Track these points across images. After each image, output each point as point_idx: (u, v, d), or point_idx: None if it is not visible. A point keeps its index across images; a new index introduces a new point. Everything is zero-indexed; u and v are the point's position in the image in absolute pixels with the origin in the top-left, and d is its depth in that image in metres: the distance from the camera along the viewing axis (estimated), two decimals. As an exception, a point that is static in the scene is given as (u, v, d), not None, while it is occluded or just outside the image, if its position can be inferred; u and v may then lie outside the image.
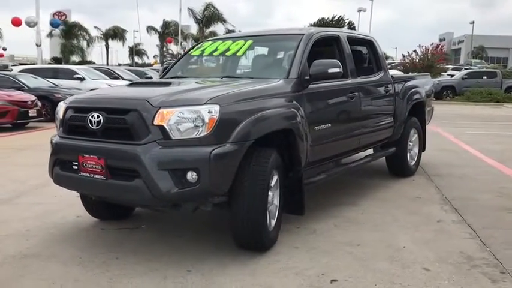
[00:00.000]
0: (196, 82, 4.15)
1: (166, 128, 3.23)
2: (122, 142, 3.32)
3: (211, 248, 3.74)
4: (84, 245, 3.87)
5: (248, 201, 3.41)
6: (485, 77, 26.26)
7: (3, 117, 11.54)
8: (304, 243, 3.87)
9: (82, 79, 16.88)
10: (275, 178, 3.76)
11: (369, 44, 5.76)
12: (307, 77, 4.17)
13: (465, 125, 13.38)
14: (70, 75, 17.21)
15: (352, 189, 5.62)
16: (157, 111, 3.25)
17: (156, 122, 3.24)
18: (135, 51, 59.72)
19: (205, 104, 3.27)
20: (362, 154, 5.58)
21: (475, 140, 9.95)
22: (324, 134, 4.37)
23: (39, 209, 4.85)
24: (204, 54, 4.88)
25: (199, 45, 5.11)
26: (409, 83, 6.18)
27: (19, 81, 14.48)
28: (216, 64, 5.21)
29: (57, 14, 54.41)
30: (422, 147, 6.57)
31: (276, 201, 3.83)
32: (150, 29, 52.59)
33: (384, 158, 6.08)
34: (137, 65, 53.14)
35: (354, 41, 5.33)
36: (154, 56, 67.11)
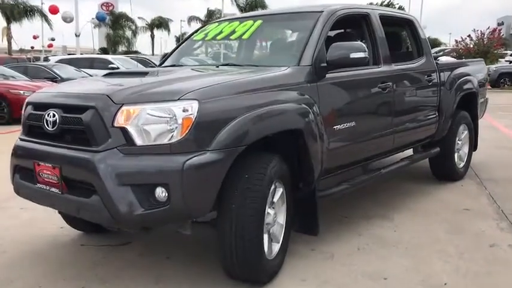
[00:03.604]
0: (186, 72, 3.42)
1: (130, 130, 2.52)
2: (78, 148, 2.65)
3: (204, 273, 3.03)
4: (52, 268, 3.25)
5: (238, 223, 2.67)
6: (548, 63, 24.13)
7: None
8: (316, 273, 3.08)
9: (116, 69, 16.56)
10: (279, 191, 3.00)
11: (408, 24, 4.81)
12: (324, 64, 3.34)
13: (525, 116, 11.98)
14: (105, 64, 16.97)
15: (384, 197, 4.74)
16: (118, 109, 2.55)
17: (117, 123, 2.54)
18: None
19: (179, 99, 2.54)
20: (398, 156, 4.68)
21: (537, 135, 8.72)
22: (346, 135, 3.54)
23: (24, 216, 4.28)
24: (206, 39, 4.13)
25: (203, 28, 4.36)
26: (458, 71, 5.19)
27: (53, 71, 14.32)
28: (218, 50, 4.44)
29: (104, 4, 55.12)
30: (473, 146, 5.57)
31: (281, 220, 3.06)
32: (193, 18, 52.33)
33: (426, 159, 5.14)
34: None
35: (388, 20, 4.42)
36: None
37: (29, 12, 40.49)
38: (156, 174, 2.48)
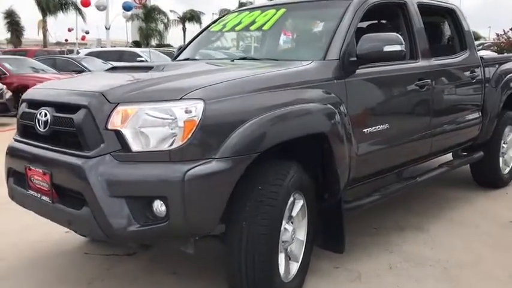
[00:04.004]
0: (196, 66, 3.07)
1: (125, 134, 2.19)
2: (70, 152, 2.34)
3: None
4: (50, 279, 2.97)
5: (249, 242, 2.31)
6: None
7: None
8: (339, 297, 2.70)
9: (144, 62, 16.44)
10: (299, 204, 2.63)
11: (450, 14, 4.32)
12: (353, 59, 2.94)
13: None
14: (134, 57, 16.88)
15: (418, 205, 4.29)
16: (113, 109, 2.22)
17: (111, 125, 2.21)
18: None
19: (181, 99, 2.19)
20: (435, 162, 4.21)
21: None
22: (378, 139, 3.13)
23: (28, 219, 3.96)
24: (224, 30, 3.76)
25: (222, 18, 4.00)
26: (505, 66, 4.66)
27: (81, 65, 14.28)
28: (238, 42, 4.07)
29: (137, -3, 55.45)
30: (520, 149, 5.04)
31: (302, 236, 2.70)
32: (224, 11, 52.01)
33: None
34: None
35: (428, 9, 3.95)
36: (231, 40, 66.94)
37: (63, 5, 40.99)
38: (154, 186, 2.14)
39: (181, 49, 4.02)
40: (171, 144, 2.16)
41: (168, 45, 46.90)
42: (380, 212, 3.97)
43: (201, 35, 4.03)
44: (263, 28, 3.45)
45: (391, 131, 3.23)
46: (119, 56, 17.35)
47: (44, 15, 41.27)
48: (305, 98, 2.62)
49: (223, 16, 4.09)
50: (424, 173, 3.80)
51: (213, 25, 3.99)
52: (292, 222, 2.59)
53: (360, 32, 3.09)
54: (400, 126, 3.36)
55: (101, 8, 22.21)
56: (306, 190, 2.67)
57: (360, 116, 2.98)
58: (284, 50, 3.65)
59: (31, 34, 46.06)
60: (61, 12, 41.25)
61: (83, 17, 42.24)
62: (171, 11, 55.77)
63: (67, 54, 21.72)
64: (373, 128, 3.07)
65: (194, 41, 4.01)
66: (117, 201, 2.15)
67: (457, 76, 4.02)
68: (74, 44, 46.89)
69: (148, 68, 2.86)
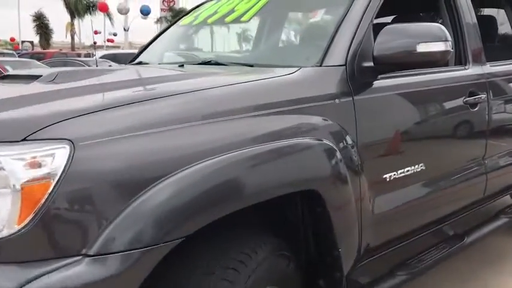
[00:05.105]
0: (118, 76, 2.03)
1: None
2: None
3: None
4: None
5: None
6: None
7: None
8: None
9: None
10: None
11: (511, 3, 3.16)
12: (369, 64, 1.86)
13: None
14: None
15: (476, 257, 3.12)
16: None
17: None
18: (240, 36, 59.03)
19: (24, 140, 1.16)
20: (490, 208, 3.03)
21: None
22: (407, 187, 2.05)
23: None
24: (195, 23, 2.73)
25: (197, 9, 2.95)
26: None
27: (88, 65, 13.53)
28: (210, 38, 2.97)
29: (166, 0, 55.40)
30: None
31: None
32: None
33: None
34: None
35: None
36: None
37: (91, 7, 40.92)
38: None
39: (142, 49, 3.00)
40: (1, 229, 1.13)
41: (196, 49, 46.39)
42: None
43: (168, 31, 2.98)
44: (241, 19, 2.38)
45: (428, 174, 2.14)
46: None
47: (73, 17, 41.37)
48: (281, 130, 1.56)
49: (199, 5, 3.04)
50: (474, 228, 2.63)
51: (184, 17, 2.96)
52: None
53: (379, 28, 2.00)
54: (441, 165, 2.27)
55: (123, 11, 21.59)
56: (288, 281, 1.62)
57: (378, 155, 1.90)
58: (265, 50, 2.58)
59: (60, 36, 46.22)
60: (89, 14, 41.27)
61: (110, 20, 42.08)
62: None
63: (85, 56, 21.17)
64: (399, 171, 1.98)
65: (159, 39, 2.97)
66: None
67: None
68: (101, 47, 46.91)
69: (35, 78, 1.82)
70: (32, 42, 41.81)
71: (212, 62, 2.12)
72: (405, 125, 2.03)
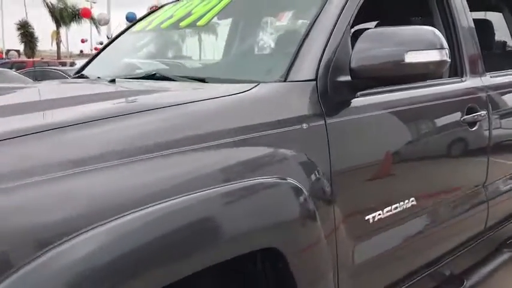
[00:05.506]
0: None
1: None
2: None
3: None
4: None
5: None
6: None
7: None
8: None
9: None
10: None
11: (510, 6, 2.81)
12: (345, 78, 1.48)
13: None
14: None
15: None
16: None
17: None
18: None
19: None
20: (492, 239, 2.65)
21: None
22: (395, 227, 1.67)
23: None
24: (147, 29, 2.33)
25: (154, 13, 2.56)
26: None
27: (68, 75, 13.11)
28: (164, 46, 2.55)
29: (153, 8, 54.93)
30: None
31: None
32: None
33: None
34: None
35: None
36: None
37: (77, 15, 40.40)
38: None
39: (90, 59, 2.59)
40: None
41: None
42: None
43: (120, 39, 2.58)
44: (197, 24, 2.00)
45: (420, 209, 1.77)
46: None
47: (58, 26, 40.80)
48: (225, 168, 1.17)
49: (156, 9, 2.65)
50: (474, 266, 2.25)
51: (138, 23, 2.57)
52: None
53: (360, 35, 1.62)
54: (436, 198, 1.90)
55: (102, 22, 21.11)
56: None
57: (359, 192, 1.52)
58: (223, 61, 2.19)
59: (47, 45, 45.49)
60: (75, 23, 40.73)
61: (97, 28, 41.56)
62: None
63: (71, 65, 20.68)
64: (385, 210, 1.60)
65: (110, 48, 2.57)
66: None
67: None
68: (88, 55, 46.30)
69: None
70: (18, 51, 41.12)
71: (157, 75, 1.73)
72: (391, 153, 1.65)
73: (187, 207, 1.05)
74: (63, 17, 39.97)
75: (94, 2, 39.77)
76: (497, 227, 2.44)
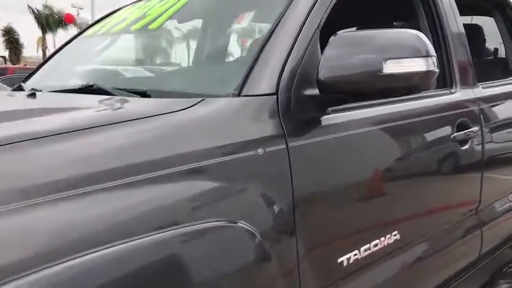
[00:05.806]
0: None
1: None
2: None
3: None
4: None
5: None
6: None
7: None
8: None
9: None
10: None
11: (502, 9, 2.58)
12: (312, 92, 1.22)
13: None
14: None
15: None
16: None
17: None
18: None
19: None
20: (486, 267, 2.40)
21: None
22: (375, 268, 1.40)
23: None
24: (99, 33, 2.06)
25: (112, 14, 2.29)
26: None
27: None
28: (115, 53, 2.28)
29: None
30: None
31: None
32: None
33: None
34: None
35: (467, 3, 2.23)
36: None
37: (63, 21, 39.93)
38: None
39: (36, 68, 2.31)
40: None
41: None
42: None
43: (69, 45, 2.29)
44: (149, 27, 1.74)
45: (405, 243, 1.51)
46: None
47: (44, 32, 40.28)
48: (157, 209, 0.91)
49: (112, 13, 2.38)
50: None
51: (91, 27, 2.29)
52: None
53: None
54: (422, 229, 1.64)
55: (84, 27, 20.65)
56: None
57: (330, 230, 1.26)
58: (172, 71, 1.93)
59: (32, 52, 44.84)
60: (61, 29, 40.24)
61: (83, 34, 41.08)
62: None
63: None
64: (362, 248, 1.34)
65: (58, 55, 2.28)
66: None
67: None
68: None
69: None
70: (4, 57, 40.50)
71: (94, 87, 1.46)
72: (369, 181, 1.39)
73: (105, 263, 0.79)
74: (49, 23, 39.49)
75: (81, 8, 39.32)
76: (491, 254, 2.20)
